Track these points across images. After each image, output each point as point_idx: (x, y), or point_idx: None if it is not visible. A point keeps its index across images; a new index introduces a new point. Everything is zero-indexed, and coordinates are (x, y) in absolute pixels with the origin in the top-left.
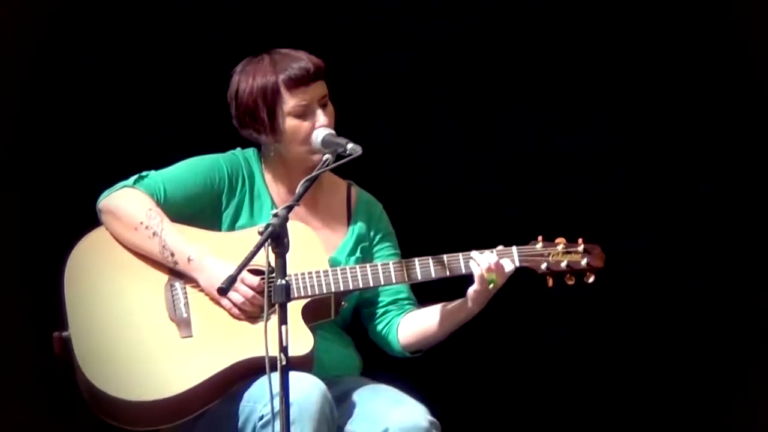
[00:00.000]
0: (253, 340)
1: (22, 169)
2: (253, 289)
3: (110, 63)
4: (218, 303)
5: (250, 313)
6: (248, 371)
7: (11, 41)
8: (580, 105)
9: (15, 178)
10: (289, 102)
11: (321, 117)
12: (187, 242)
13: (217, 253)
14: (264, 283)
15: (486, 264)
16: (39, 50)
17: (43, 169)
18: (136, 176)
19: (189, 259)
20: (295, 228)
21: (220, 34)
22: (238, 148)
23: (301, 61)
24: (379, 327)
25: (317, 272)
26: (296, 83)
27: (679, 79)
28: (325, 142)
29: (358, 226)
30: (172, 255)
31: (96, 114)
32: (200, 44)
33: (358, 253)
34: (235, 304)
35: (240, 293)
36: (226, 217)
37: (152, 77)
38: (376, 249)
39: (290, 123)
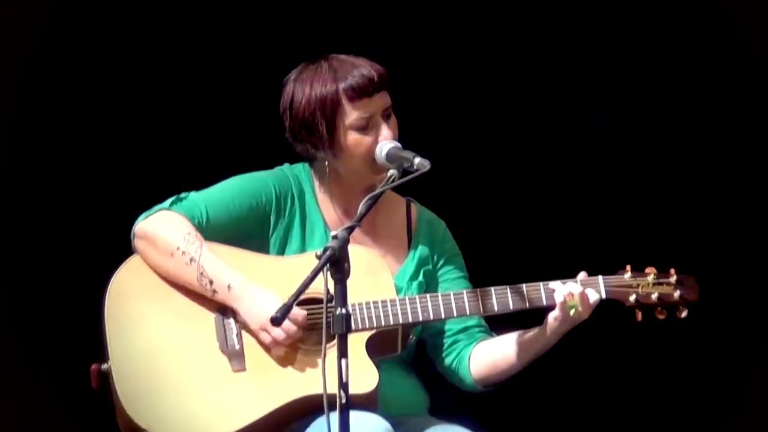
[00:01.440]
0: (312, 376)
1: (53, 193)
2: (296, 323)
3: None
4: None
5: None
6: (306, 409)
7: (11, 41)
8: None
9: (43, 204)
10: (351, 114)
11: (385, 131)
12: (228, 269)
13: (268, 279)
14: (323, 312)
15: (569, 294)
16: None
17: (73, 194)
18: (173, 198)
19: (229, 287)
20: (357, 252)
21: (263, 35)
22: (286, 164)
23: (363, 68)
24: (449, 359)
25: (383, 302)
26: (359, 94)
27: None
28: (390, 156)
29: (420, 248)
30: (211, 283)
31: (129, 129)
32: (227, 44)
33: (420, 278)
34: (275, 340)
35: (282, 328)
36: (275, 241)
37: (184, 81)
38: (440, 273)
39: (351, 137)
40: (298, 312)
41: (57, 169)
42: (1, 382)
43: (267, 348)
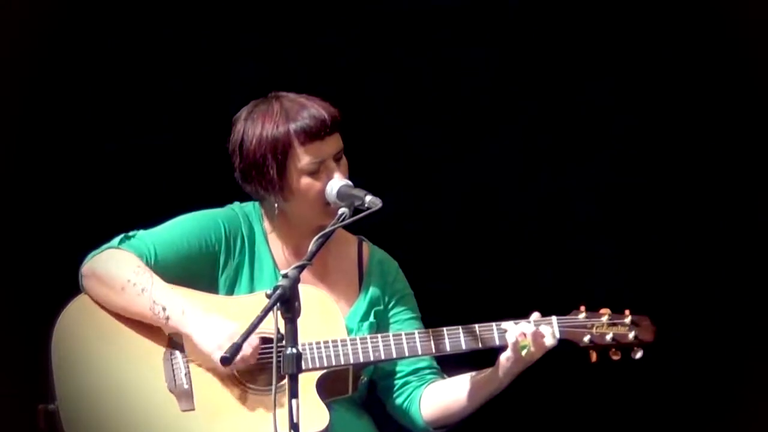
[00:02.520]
0: (262, 415)
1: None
2: (251, 346)
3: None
4: (221, 370)
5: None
6: None
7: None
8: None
9: None
10: (303, 158)
11: (336, 175)
12: (180, 296)
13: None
14: (273, 351)
15: (521, 335)
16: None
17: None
18: (121, 236)
19: (183, 312)
20: (307, 292)
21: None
22: (236, 202)
23: (316, 110)
24: (399, 400)
25: (334, 341)
26: (311, 137)
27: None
28: (341, 194)
29: (372, 289)
30: (164, 309)
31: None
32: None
33: (371, 318)
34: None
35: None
36: (224, 281)
37: (135, 115)
38: (392, 313)
39: (303, 181)
40: (249, 348)
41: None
42: None
43: (218, 386)
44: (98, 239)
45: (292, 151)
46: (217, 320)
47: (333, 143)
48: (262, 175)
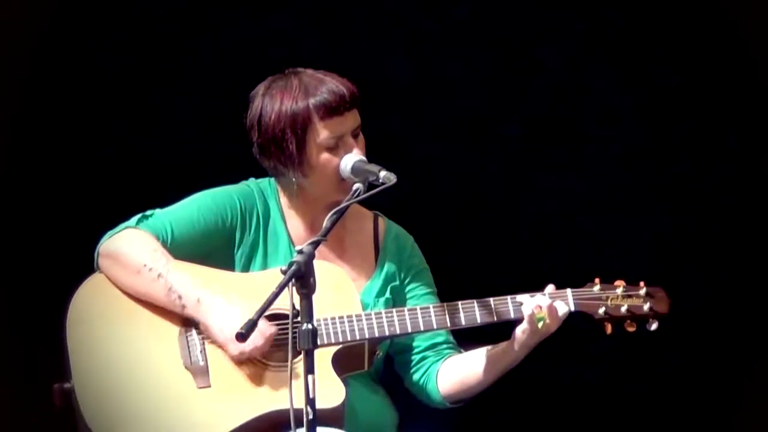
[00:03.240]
0: (278, 391)
1: (15, 208)
2: (265, 337)
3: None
4: None
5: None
6: (272, 425)
7: (11, 41)
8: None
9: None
10: (322, 133)
11: (354, 150)
12: (196, 283)
13: (234, 296)
14: (288, 328)
15: (537, 307)
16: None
17: (37, 208)
18: (139, 216)
19: (198, 301)
20: (322, 268)
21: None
22: (252, 179)
23: (335, 86)
24: (416, 376)
25: (349, 317)
26: (330, 112)
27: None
28: (356, 170)
29: (387, 264)
30: (180, 298)
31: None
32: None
33: (387, 294)
34: (243, 353)
35: (251, 341)
36: (240, 257)
37: (150, 95)
38: (408, 288)
39: (322, 157)
40: (266, 327)
41: (23, 184)
42: None
43: (233, 363)
44: (115, 218)
45: (311, 126)
46: (233, 310)
47: (351, 119)
48: (281, 150)
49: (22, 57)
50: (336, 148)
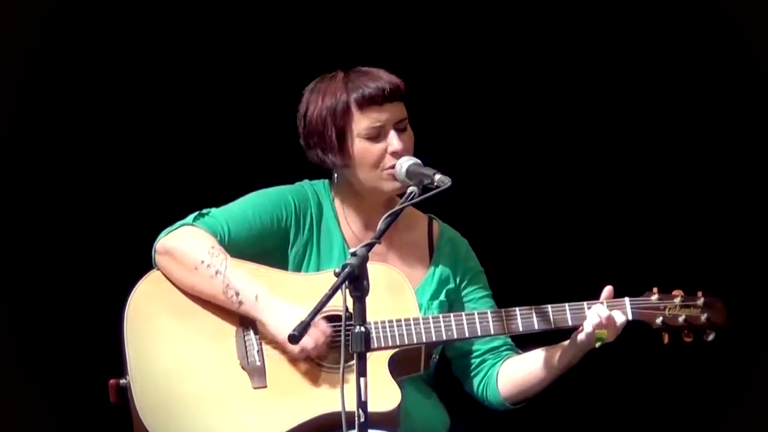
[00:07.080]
0: (332, 394)
1: (76, 206)
2: (324, 333)
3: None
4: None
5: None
6: (327, 428)
7: (11, 41)
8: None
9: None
10: (361, 122)
11: (395, 141)
12: (254, 281)
13: (289, 296)
14: (341, 330)
15: (596, 319)
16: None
17: (94, 208)
18: (195, 214)
19: (256, 298)
20: (378, 270)
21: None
22: (306, 180)
23: (378, 79)
24: (477, 379)
25: (407, 320)
26: (368, 102)
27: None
28: (410, 173)
29: (441, 267)
30: (237, 294)
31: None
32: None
33: (442, 297)
34: (303, 349)
35: (312, 338)
36: (293, 257)
37: (206, 94)
38: (465, 292)
39: (360, 145)
40: (325, 326)
41: (81, 183)
42: (20, 396)
43: (289, 364)
44: (172, 216)
45: (350, 116)
46: (291, 308)
47: (393, 111)
48: (322, 140)
49: (22, 57)
50: (376, 137)
